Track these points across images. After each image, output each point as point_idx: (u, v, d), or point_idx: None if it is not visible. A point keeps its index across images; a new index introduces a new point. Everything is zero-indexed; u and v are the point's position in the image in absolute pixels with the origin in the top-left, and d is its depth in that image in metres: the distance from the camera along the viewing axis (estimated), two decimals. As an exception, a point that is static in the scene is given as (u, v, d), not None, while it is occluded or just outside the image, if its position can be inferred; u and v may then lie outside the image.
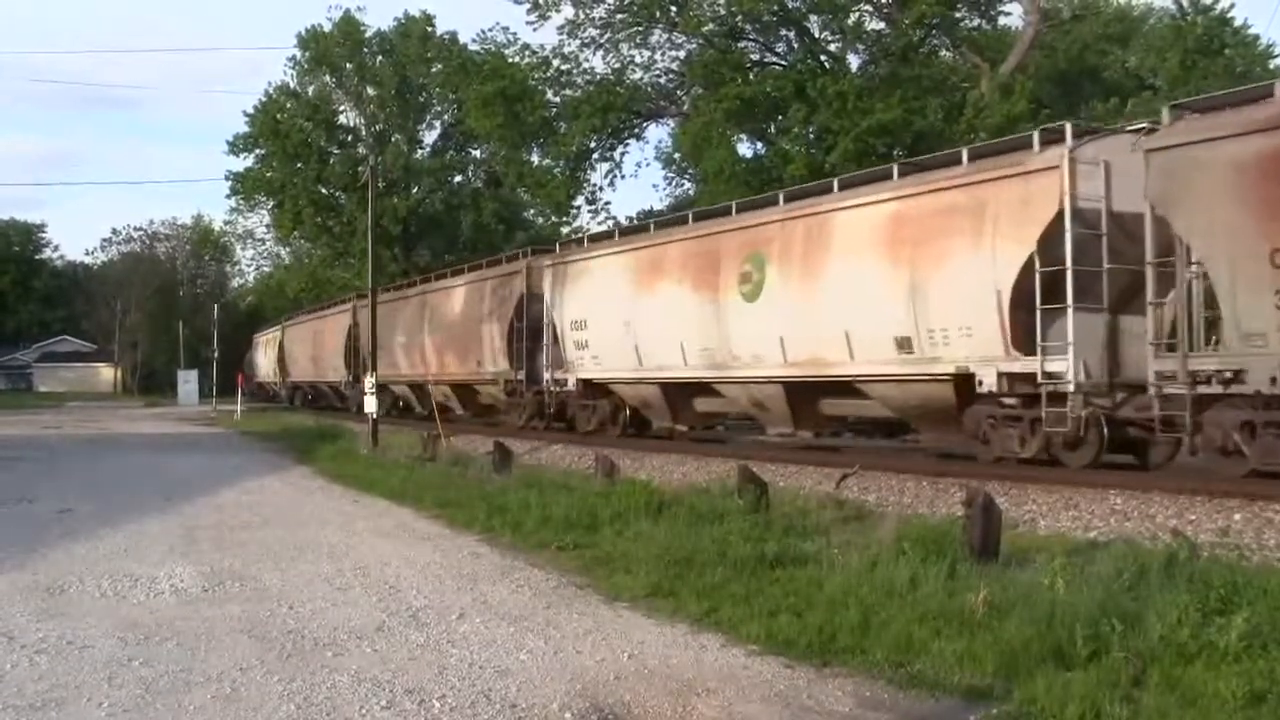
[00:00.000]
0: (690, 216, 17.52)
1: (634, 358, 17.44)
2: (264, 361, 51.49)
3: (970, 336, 12.10)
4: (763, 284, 14.81)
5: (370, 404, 22.37)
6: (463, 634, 6.43)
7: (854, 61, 32.20)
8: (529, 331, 21.02)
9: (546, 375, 20.36)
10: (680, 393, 17.32)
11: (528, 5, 32.64)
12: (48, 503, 13.22)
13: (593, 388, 19.40)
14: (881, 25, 31.22)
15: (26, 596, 7.56)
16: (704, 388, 16.75)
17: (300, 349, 42.04)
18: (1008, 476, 11.54)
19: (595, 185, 36.77)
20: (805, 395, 14.79)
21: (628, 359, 17.61)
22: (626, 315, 17.60)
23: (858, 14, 31.04)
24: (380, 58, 50.31)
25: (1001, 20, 32.72)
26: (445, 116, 51.80)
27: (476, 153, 51.35)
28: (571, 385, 19.62)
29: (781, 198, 15.41)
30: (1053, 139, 11.68)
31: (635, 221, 32.88)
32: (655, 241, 17.77)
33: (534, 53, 34.92)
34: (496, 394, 23.09)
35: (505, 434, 20.17)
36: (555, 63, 34.03)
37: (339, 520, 11.70)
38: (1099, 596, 6.10)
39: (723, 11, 31.04)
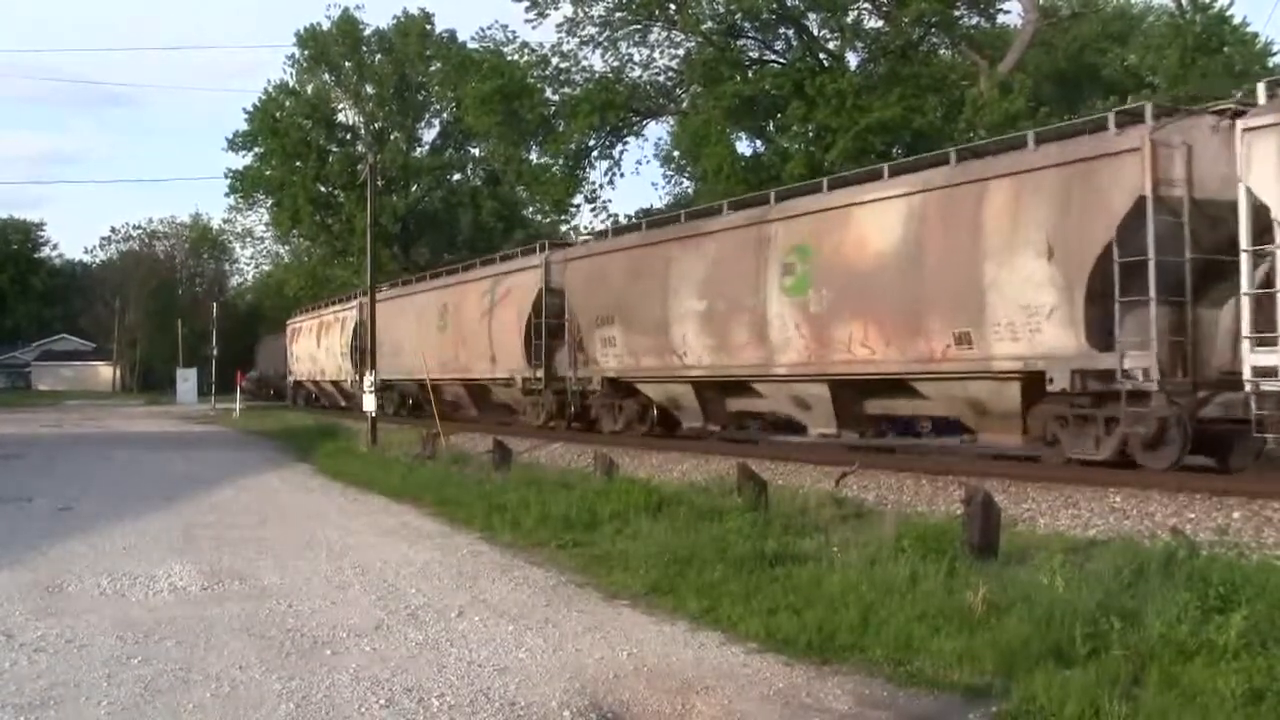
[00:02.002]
0: None
1: None
2: (314, 353, 38.06)
3: None
4: None
5: (369, 402, 21.98)
6: (462, 632, 6.43)
7: (853, 59, 32.24)
8: (1161, 274, 10.24)
9: None
10: None
11: (526, 3, 32.67)
12: (47, 501, 13.22)
13: None
14: (880, 23, 31.25)
15: (26, 594, 7.56)
16: None
17: (409, 334, 27.28)
18: (1006, 474, 11.54)
19: (595, 183, 36.81)
20: None
21: None
22: None
23: (856, 12, 31.07)
24: (379, 56, 50.35)
25: (1000, 18, 32.78)
26: (444, 114, 51.88)
27: (475, 151, 51.43)
28: None
29: None
30: None
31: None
32: None
33: (533, 51, 34.97)
34: (992, 399, 12.33)
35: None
36: (554, 61, 34.06)
37: (338, 518, 11.70)
38: (1098, 594, 6.11)
39: (721, 9, 31.04)
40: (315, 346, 38.38)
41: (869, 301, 13.39)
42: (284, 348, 44.78)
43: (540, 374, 20.55)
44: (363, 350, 29.55)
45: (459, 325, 23.93)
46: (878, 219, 13.38)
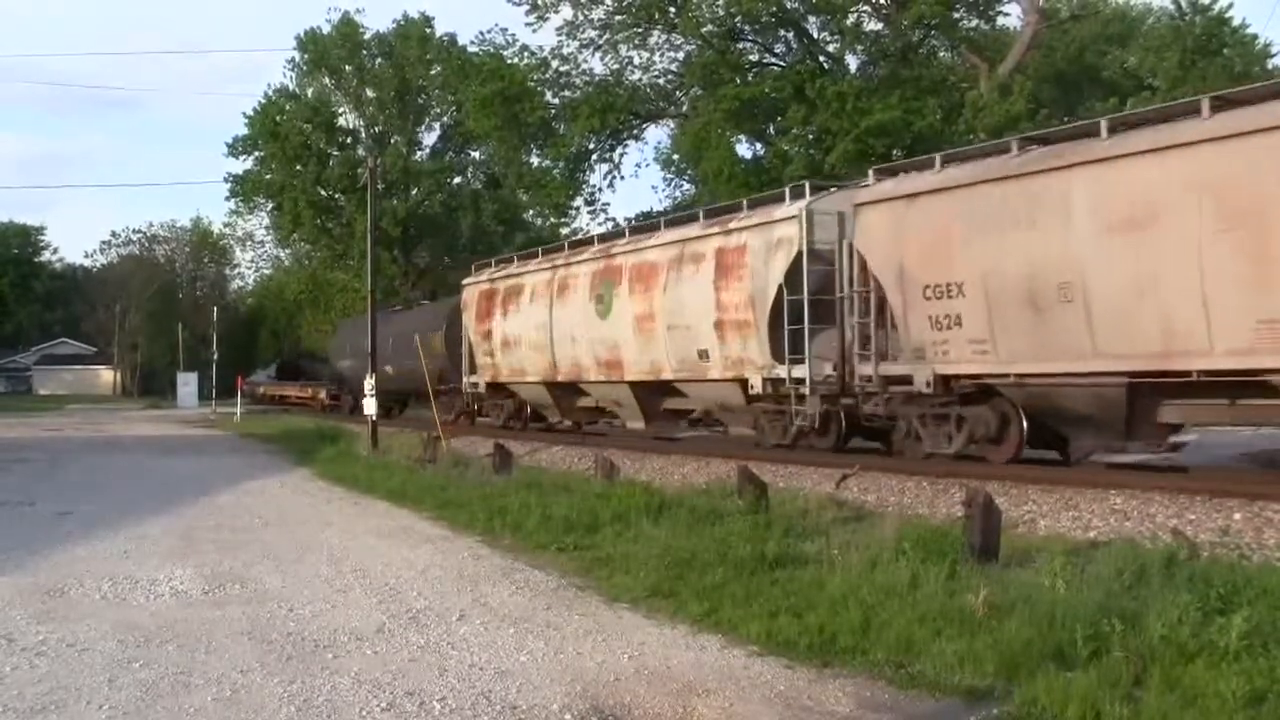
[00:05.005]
0: None
1: None
2: (572, 331, 19.29)
3: None
4: None
5: (370, 406, 22.09)
6: (463, 635, 6.43)
7: (853, 62, 32.27)
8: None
9: None
10: None
11: (526, 6, 32.71)
12: (48, 505, 13.22)
13: None
14: (880, 26, 31.27)
15: (26, 598, 7.56)
16: None
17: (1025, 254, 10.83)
18: (1008, 477, 11.53)
19: (594, 186, 36.82)
20: None
21: None
22: None
23: (856, 15, 31.07)
24: (379, 59, 50.30)
25: (1000, 20, 32.79)
26: (444, 118, 51.81)
27: (475, 154, 51.40)
28: None
29: None
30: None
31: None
32: None
33: (533, 54, 35.03)
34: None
35: None
36: (554, 64, 34.09)
37: (339, 522, 11.70)
38: (1099, 596, 6.11)
39: (721, 13, 31.05)
40: (579, 318, 19.14)
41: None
42: (415, 330, 26.65)
43: None
44: (791, 307, 14.03)
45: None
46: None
